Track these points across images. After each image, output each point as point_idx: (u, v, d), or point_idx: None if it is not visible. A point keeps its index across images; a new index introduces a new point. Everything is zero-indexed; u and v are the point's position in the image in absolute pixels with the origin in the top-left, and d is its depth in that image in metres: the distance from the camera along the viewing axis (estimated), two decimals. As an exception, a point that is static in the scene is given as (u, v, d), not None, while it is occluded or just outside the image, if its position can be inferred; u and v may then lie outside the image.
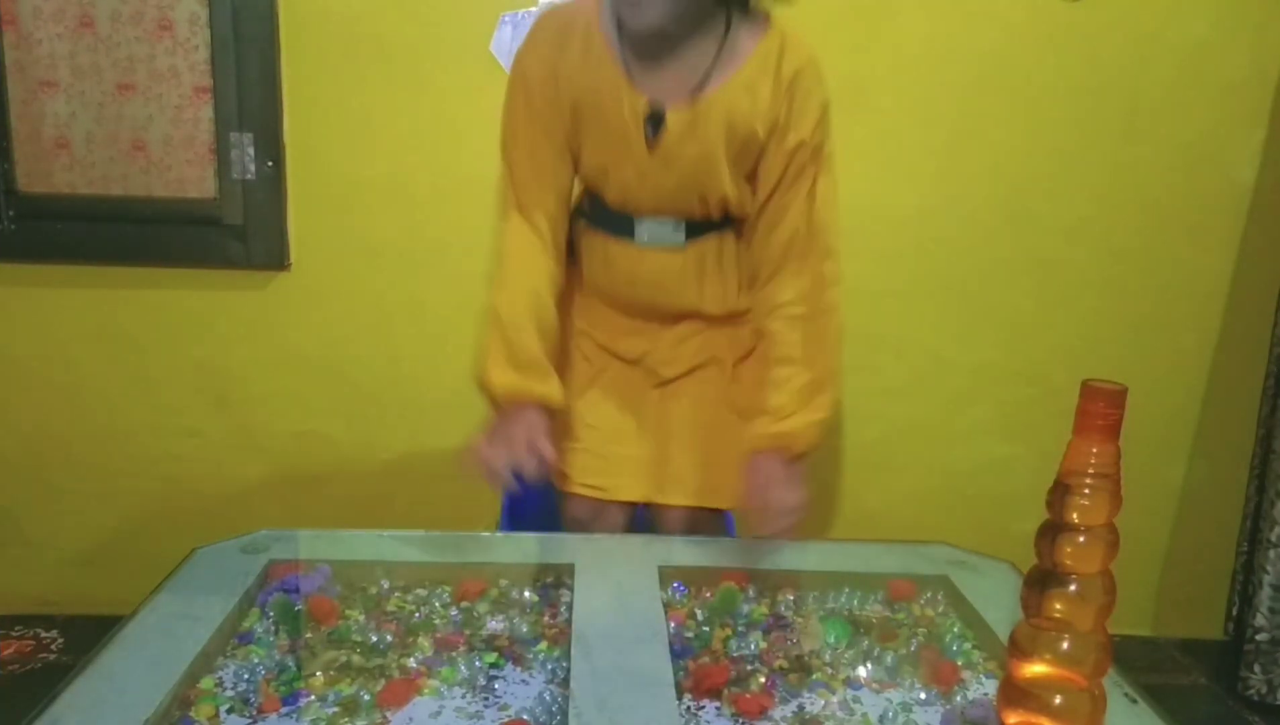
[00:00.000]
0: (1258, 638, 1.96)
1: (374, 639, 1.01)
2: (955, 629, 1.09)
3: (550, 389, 1.26)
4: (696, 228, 1.30)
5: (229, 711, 0.88)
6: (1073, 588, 0.75)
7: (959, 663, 1.01)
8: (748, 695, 0.92)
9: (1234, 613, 2.09)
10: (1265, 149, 1.97)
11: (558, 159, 1.28)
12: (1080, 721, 0.76)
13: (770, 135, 1.22)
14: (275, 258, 1.95)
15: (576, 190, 1.37)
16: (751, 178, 1.27)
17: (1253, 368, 2.05)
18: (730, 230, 1.33)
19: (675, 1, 1.14)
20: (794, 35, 1.23)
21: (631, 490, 1.39)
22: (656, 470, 1.38)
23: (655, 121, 1.21)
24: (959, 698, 0.95)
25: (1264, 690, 1.96)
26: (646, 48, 1.20)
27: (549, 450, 1.20)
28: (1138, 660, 2.12)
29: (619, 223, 1.30)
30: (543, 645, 1.01)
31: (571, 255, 1.39)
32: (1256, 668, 1.96)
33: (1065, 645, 0.75)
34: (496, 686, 0.94)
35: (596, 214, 1.34)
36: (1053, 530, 0.75)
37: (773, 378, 1.26)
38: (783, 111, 1.21)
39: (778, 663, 0.99)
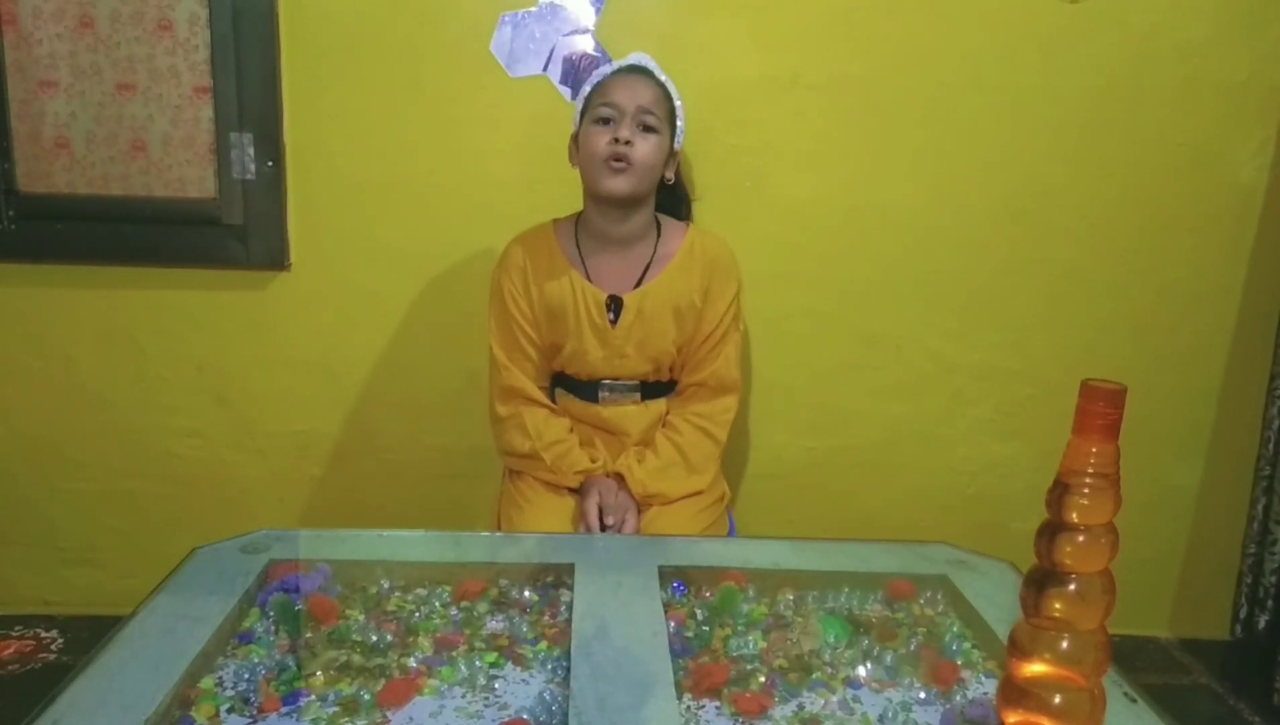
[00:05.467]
0: None
1: (374, 639, 1.01)
2: (955, 628, 1.09)
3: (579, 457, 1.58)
4: (651, 390, 1.61)
5: (229, 711, 0.88)
6: (1072, 587, 0.75)
7: (958, 662, 1.01)
8: (747, 695, 0.92)
9: (1242, 615, 2.08)
10: (1266, 149, 1.96)
11: (532, 344, 1.60)
12: (1080, 721, 0.76)
13: (704, 302, 1.57)
14: (275, 258, 1.95)
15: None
16: (690, 340, 1.60)
17: (1257, 367, 2.05)
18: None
19: (640, 180, 1.48)
20: (707, 230, 1.65)
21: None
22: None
23: (615, 306, 1.55)
24: (958, 697, 0.95)
25: None
26: (600, 245, 1.56)
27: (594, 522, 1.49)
28: (1137, 660, 2.12)
29: (584, 388, 1.62)
30: (543, 645, 1.02)
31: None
32: None
33: (1065, 645, 0.75)
34: (496, 686, 0.94)
35: (564, 383, 1.65)
36: (1052, 530, 0.75)
37: (658, 445, 1.58)
38: (711, 284, 1.57)
39: (777, 662, 1.00)
